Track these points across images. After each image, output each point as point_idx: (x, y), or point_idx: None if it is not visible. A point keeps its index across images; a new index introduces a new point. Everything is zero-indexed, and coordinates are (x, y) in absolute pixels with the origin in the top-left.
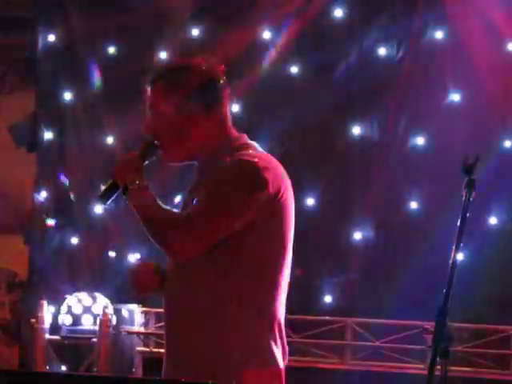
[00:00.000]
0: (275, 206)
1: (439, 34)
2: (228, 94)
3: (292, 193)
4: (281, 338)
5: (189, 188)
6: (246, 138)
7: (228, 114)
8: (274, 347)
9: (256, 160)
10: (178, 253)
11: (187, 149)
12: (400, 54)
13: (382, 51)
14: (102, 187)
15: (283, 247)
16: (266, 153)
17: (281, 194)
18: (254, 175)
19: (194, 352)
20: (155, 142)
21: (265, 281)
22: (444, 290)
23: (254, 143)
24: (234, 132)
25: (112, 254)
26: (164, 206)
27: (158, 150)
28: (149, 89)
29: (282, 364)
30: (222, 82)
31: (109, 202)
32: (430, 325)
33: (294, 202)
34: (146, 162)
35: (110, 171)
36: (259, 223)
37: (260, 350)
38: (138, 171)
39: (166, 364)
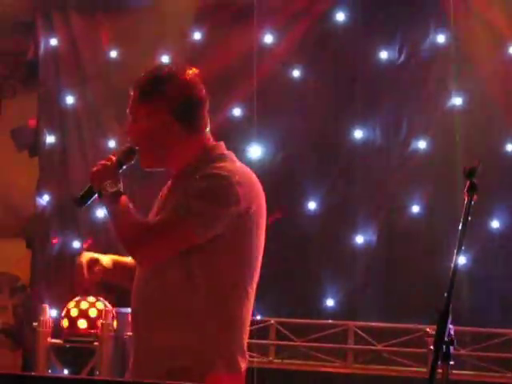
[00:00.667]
0: (245, 220)
1: (441, 38)
2: (207, 106)
3: (265, 208)
4: (245, 344)
5: (163, 194)
6: (223, 149)
7: (207, 125)
8: (240, 354)
9: (229, 174)
10: (139, 257)
11: (162, 157)
12: (402, 57)
13: (383, 55)
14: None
15: (251, 260)
16: (242, 165)
17: (252, 210)
18: (226, 189)
19: (164, 353)
20: (133, 147)
21: (233, 292)
22: (445, 293)
23: (231, 154)
24: (212, 142)
25: None
26: (134, 213)
27: (136, 154)
28: (131, 93)
29: (243, 369)
30: (200, 95)
31: (85, 206)
32: (431, 328)
33: (265, 217)
34: (124, 167)
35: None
36: (228, 236)
37: (228, 356)
38: (113, 176)
39: (134, 362)
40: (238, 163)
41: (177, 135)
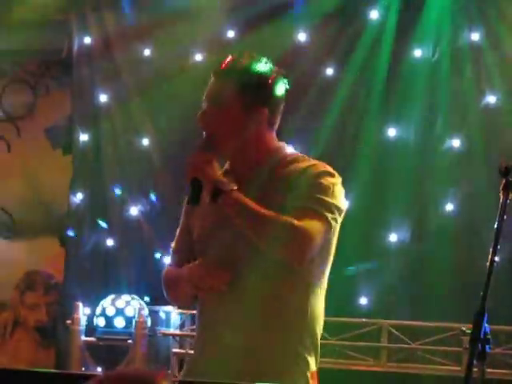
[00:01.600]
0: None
1: (475, 36)
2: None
3: None
4: None
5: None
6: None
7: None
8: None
9: (335, 172)
10: (297, 258)
11: (239, 147)
12: (436, 55)
13: (417, 52)
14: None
15: (331, 260)
16: None
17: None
18: (340, 186)
19: (268, 357)
20: (207, 136)
21: (322, 291)
22: (481, 292)
23: None
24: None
25: (157, 255)
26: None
27: (212, 144)
28: (216, 80)
29: None
30: (284, 92)
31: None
32: (467, 327)
33: None
34: None
35: (188, 173)
36: (332, 234)
37: (316, 352)
38: (217, 170)
39: (213, 360)
40: None
41: (266, 128)
